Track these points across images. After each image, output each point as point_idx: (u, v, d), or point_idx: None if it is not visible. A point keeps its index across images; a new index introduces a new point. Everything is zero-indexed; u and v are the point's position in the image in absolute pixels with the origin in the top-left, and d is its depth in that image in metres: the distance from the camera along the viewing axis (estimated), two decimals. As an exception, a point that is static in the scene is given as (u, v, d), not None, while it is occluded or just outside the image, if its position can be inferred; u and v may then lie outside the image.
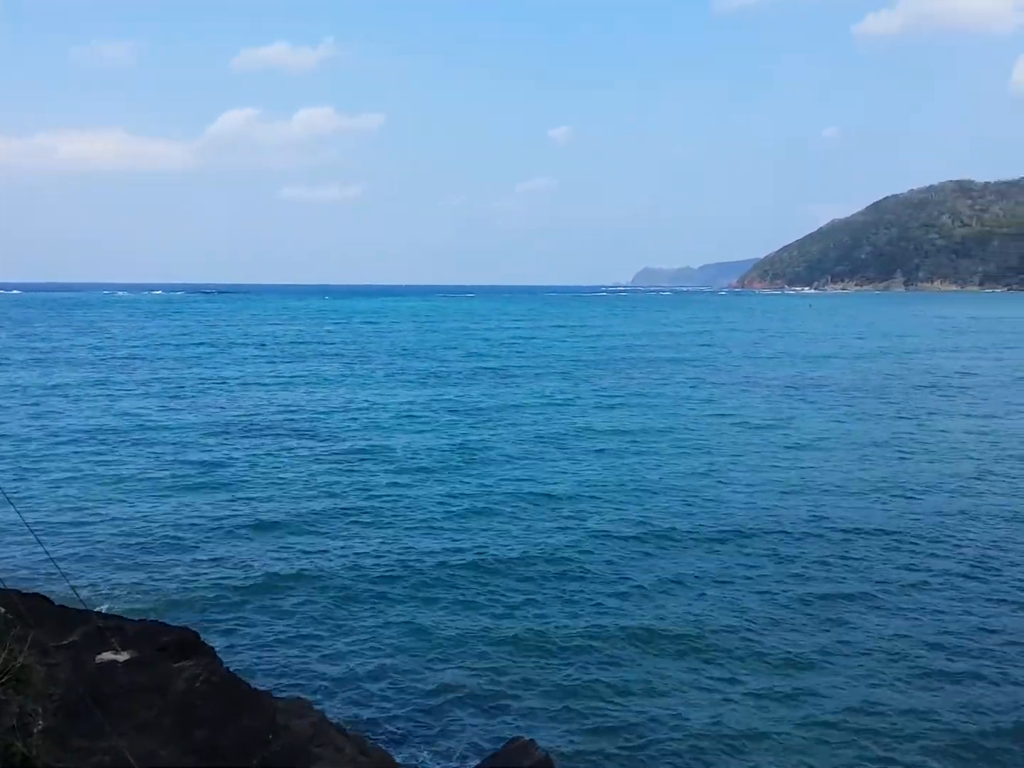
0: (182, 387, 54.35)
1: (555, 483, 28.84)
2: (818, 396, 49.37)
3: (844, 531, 23.30)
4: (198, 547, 22.72)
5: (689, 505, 25.44)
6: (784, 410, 44.58)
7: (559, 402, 47.61)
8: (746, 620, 17.35)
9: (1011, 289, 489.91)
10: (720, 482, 28.95)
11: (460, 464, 31.74)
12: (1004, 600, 18.18)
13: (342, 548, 22.38)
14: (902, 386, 53.62)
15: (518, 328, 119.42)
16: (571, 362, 70.86)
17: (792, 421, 40.99)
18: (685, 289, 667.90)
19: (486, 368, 65.47)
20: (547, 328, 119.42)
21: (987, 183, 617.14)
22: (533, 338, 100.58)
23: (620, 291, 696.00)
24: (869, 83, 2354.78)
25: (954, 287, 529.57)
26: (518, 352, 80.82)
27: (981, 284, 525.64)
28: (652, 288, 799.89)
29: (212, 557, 21.76)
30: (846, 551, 21.70)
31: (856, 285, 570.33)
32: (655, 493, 27.31)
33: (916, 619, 17.39)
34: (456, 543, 22.86)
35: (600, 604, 19.25)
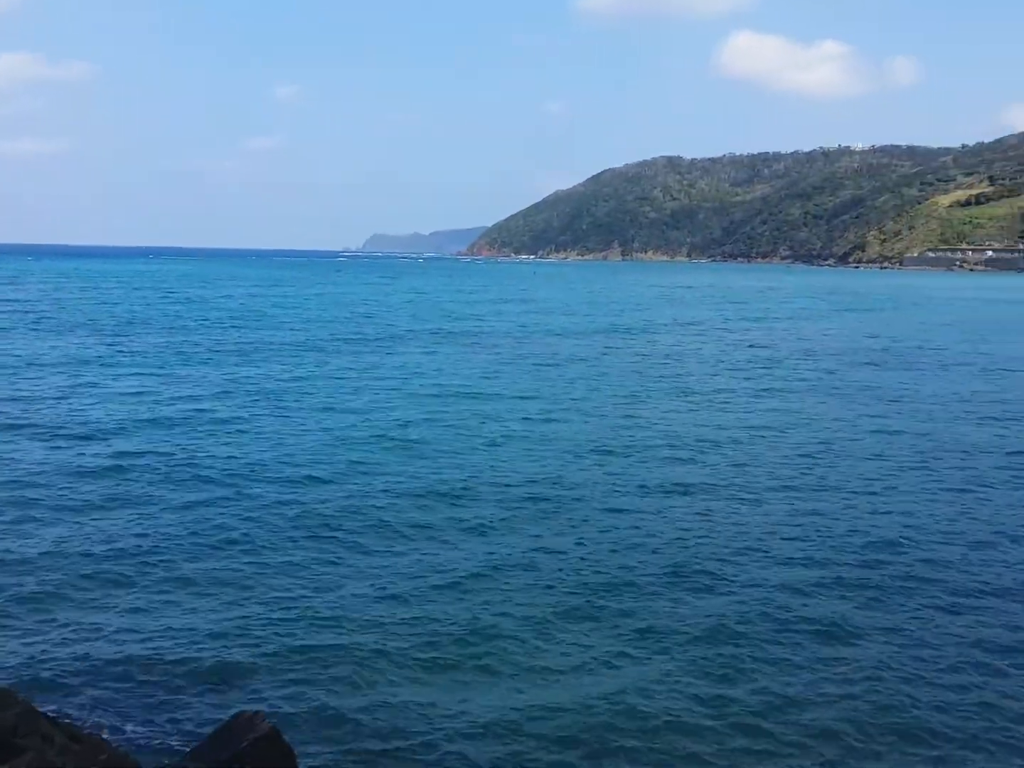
0: None
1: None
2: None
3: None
4: None
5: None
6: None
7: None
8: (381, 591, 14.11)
9: (714, 260, 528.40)
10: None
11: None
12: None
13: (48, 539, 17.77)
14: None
15: (284, 295, 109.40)
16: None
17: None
18: (429, 256, 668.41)
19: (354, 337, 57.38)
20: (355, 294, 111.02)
21: (694, 159, 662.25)
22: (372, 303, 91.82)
23: (361, 256, 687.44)
24: (589, 59, 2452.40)
25: (665, 257, 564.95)
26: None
27: (689, 255, 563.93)
28: (393, 254, 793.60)
29: None
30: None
31: (577, 254, 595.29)
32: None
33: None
34: (143, 529, 18.25)
35: (327, 568, 16.63)
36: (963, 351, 53.95)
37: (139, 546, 17.50)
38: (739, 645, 13.26)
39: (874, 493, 21.19)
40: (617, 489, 21.00)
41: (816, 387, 38.20)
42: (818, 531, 18.21)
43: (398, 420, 29.27)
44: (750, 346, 55.31)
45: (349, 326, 63.76)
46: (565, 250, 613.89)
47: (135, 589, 15.59)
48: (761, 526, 18.40)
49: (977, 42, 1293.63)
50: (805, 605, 14.57)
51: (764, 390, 36.91)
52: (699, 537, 17.70)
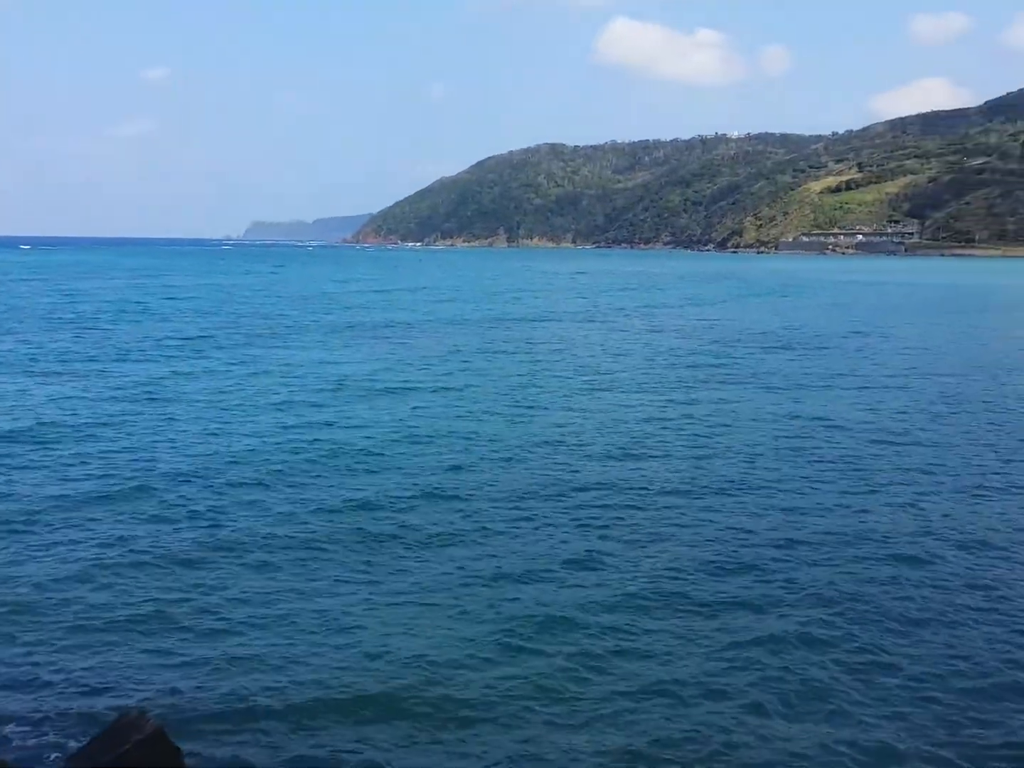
0: None
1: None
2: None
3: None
4: None
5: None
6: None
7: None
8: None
9: (599, 246, 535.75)
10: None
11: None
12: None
13: None
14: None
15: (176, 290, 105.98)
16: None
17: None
18: (317, 244, 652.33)
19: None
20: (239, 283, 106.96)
21: (576, 147, 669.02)
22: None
23: (245, 244, 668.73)
24: (474, 44, 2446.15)
25: (550, 243, 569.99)
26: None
27: (574, 241, 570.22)
28: (279, 242, 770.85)
29: None
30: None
31: (464, 241, 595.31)
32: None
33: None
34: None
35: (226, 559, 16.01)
36: (886, 333, 55.61)
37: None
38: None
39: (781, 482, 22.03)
40: (518, 483, 20.57)
41: (720, 375, 38.70)
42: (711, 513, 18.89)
43: (287, 419, 28.26)
44: (658, 332, 55.13)
45: (239, 319, 61.55)
46: (452, 237, 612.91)
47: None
48: (653, 517, 18.63)
49: (845, 33, 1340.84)
50: (692, 585, 15.01)
51: (678, 381, 36.55)
52: (595, 527, 17.77)
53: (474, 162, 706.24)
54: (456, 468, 21.74)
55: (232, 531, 17.29)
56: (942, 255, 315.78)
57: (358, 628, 13.24)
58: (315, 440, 24.45)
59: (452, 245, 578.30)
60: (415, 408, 29.27)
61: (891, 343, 50.08)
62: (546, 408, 29.70)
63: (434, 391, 32.65)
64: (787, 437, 25.18)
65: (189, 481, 20.48)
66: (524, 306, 77.36)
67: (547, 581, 14.84)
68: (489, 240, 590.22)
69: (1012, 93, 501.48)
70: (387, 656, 12.39)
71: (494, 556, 15.99)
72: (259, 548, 16.47)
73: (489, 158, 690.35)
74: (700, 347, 47.53)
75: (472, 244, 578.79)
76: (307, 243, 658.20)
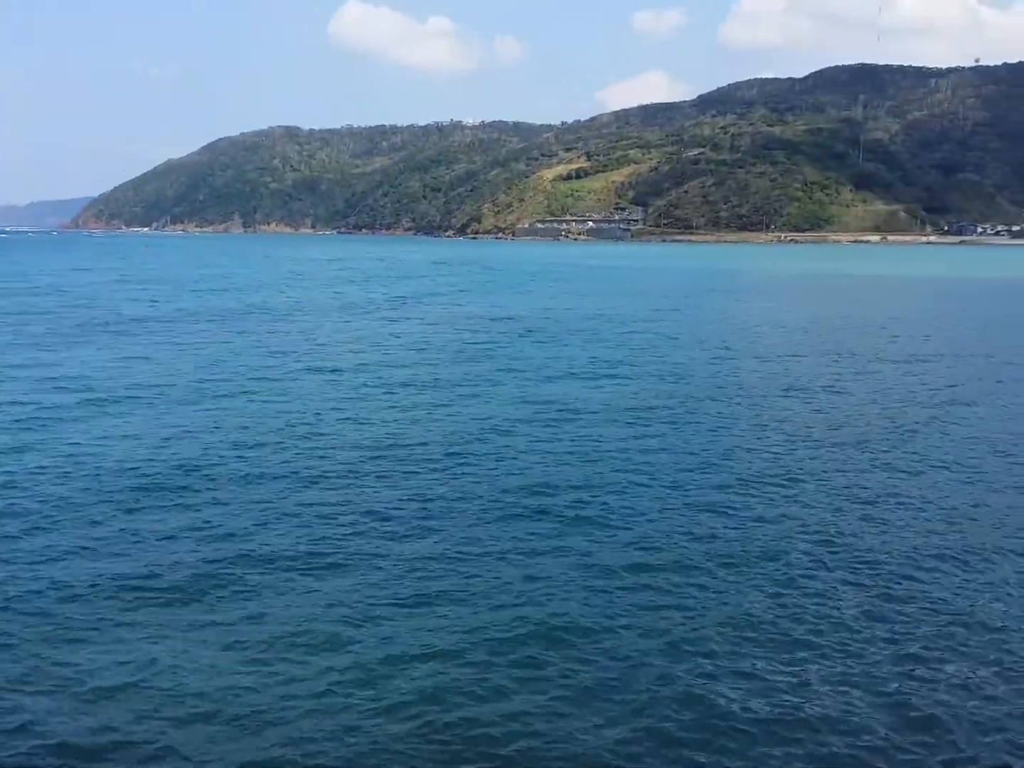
0: None
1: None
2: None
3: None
4: None
5: None
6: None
7: None
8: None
9: (339, 231, 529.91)
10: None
11: None
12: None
13: None
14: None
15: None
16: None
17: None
18: (38, 231, 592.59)
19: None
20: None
21: (312, 130, 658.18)
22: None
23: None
24: (202, 22, 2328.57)
25: (289, 229, 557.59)
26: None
27: (313, 227, 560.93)
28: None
29: None
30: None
31: (196, 226, 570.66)
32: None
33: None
34: None
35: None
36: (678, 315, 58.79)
37: None
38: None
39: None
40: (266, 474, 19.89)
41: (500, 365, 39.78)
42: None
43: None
44: (436, 324, 54.55)
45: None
46: (183, 222, 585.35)
47: None
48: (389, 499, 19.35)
49: (573, 26, 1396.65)
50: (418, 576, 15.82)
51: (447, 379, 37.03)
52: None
53: (204, 144, 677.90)
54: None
55: None
56: (664, 241, 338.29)
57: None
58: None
59: (184, 230, 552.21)
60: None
61: (673, 326, 53.22)
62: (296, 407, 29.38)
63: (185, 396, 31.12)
64: (529, 421, 26.03)
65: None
66: (274, 296, 74.80)
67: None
68: (224, 225, 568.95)
69: (722, 88, 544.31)
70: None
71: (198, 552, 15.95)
72: None
73: (221, 139, 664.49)
74: (480, 338, 47.90)
75: (205, 229, 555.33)
76: (24, 229, 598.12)
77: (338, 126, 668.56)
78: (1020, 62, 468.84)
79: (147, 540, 15.88)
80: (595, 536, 16.22)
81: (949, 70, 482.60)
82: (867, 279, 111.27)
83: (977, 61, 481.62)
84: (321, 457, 21.40)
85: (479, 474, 19.97)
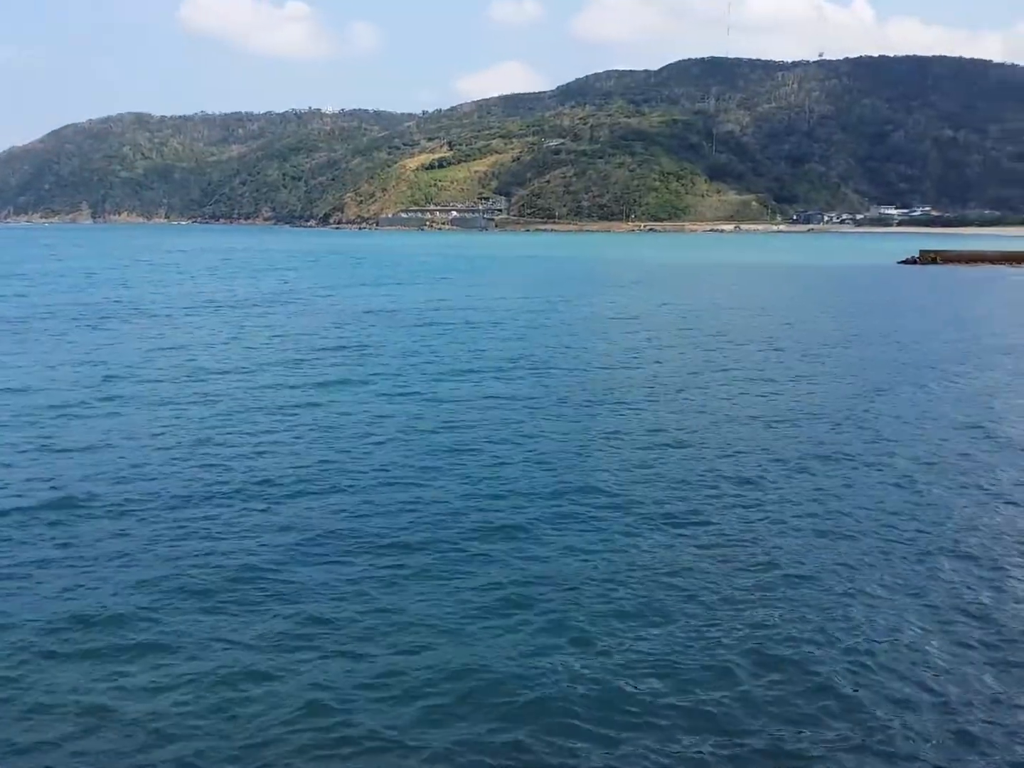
0: None
1: None
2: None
3: None
4: None
5: None
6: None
7: None
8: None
9: (196, 221, 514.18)
10: None
11: None
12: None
13: None
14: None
15: None
16: None
17: None
18: None
19: None
20: None
21: (164, 117, 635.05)
22: None
23: None
24: (47, 2, 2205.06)
25: (141, 219, 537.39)
26: None
27: (168, 216, 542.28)
28: None
29: None
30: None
31: (42, 217, 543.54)
32: None
33: None
34: None
35: None
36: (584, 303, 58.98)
37: None
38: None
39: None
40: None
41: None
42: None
43: None
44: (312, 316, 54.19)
45: None
46: (27, 212, 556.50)
47: None
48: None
49: (431, 14, 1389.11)
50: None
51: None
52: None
53: (49, 130, 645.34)
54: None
55: None
56: (527, 230, 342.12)
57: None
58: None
59: (29, 221, 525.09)
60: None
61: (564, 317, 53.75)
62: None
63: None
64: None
65: None
66: (137, 292, 72.00)
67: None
68: (71, 216, 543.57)
69: (580, 79, 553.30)
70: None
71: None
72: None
73: (67, 127, 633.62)
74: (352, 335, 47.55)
75: (51, 220, 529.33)
76: None
77: (191, 112, 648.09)
78: (860, 57, 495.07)
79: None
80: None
81: (795, 64, 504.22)
82: (744, 267, 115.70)
83: (821, 55, 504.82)
84: (215, 468, 20.82)
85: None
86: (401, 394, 28.77)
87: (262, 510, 17.34)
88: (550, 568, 14.47)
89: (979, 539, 15.79)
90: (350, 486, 18.87)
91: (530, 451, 21.67)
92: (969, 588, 13.68)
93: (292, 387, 29.88)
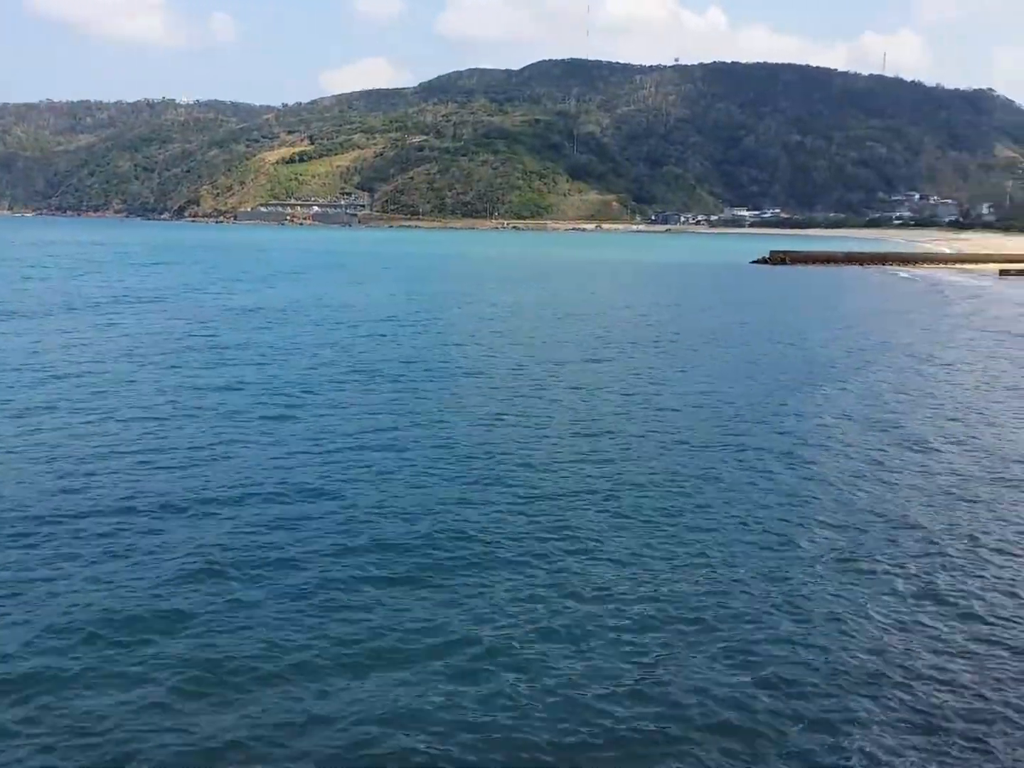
0: None
1: None
2: None
3: None
4: None
5: None
6: None
7: None
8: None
9: (41, 213, 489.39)
10: None
11: None
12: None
13: None
14: None
15: None
16: None
17: None
18: None
19: None
20: None
21: (6, 104, 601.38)
22: None
23: None
24: None
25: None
26: None
27: (11, 208, 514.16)
28: None
29: None
30: None
31: None
32: None
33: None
34: None
35: None
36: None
37: None
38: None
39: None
40: None
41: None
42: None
43: None
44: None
45: None
46: None
47: None
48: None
49: (293, 6, 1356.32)
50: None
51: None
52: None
53: None
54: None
55: None
56: (391, 226, 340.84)
57: None
58: None
59: None
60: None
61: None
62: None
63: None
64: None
65: None
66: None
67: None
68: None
69: (443, 76, 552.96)
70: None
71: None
72: None
73: None
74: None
75: None
76: None
77: (36, 100, 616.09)
78: (714, 62, 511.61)
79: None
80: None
81: (652, 68, 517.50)
82: (613, 264, 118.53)
83: (677, 60, 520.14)
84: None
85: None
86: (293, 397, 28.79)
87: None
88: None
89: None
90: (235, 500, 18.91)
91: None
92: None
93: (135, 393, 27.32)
